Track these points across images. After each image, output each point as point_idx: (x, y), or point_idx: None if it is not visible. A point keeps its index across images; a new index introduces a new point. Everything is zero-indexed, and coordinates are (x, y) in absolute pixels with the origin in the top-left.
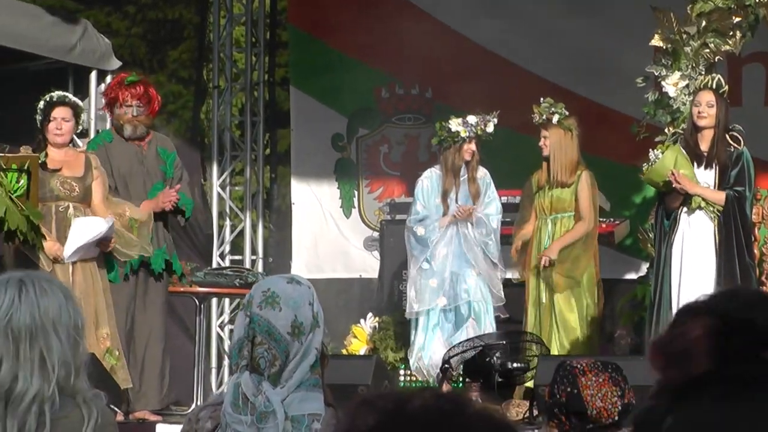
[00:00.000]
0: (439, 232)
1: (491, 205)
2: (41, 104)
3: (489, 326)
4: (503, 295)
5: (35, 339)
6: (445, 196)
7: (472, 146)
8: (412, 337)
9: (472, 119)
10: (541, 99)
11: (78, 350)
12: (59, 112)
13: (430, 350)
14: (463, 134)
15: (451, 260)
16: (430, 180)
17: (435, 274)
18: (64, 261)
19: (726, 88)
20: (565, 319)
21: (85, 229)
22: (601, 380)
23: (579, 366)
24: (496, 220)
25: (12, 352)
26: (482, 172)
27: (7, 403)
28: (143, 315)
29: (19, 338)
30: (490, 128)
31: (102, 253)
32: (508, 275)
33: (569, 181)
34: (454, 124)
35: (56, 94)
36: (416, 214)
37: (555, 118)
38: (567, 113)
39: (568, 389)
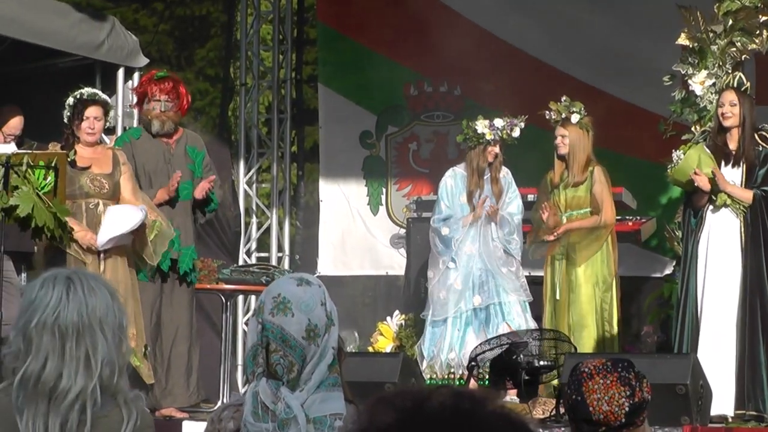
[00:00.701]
0: (463, 231)
1: (513, 204)
2: (71, 101)
3: (525, 324)
4: (530, 292)
5: (82, 337)
6: (470, 196)
7: (496, 149)
8: (432, 335)
9: (499, 122)
10: (564, 98)
11: (122, 350)
12: (92, 111)
13: (463, 349)
14: (488, 137)
15: (477, 259)
16: (453, 179)
17: (460, 274)
18: (98, 249)
19: (747, 84)
20: (581, 316)
21: (120, 219)
22: (609, 382)
23: (587, 370)
24: (518, 218)
25: (58, 349)
26: (504, 171)
27: (50, 399)
28: (169, 312)
29: (66, 336)
30: (516, 132)
31: (131, 250)
32: (528, 272)
33: (582, 178)
34: (481, 126)
35: (87, 91)
36: (440, 213)
37: (574, 118)
38: (585, 112)
39: (573, 396)
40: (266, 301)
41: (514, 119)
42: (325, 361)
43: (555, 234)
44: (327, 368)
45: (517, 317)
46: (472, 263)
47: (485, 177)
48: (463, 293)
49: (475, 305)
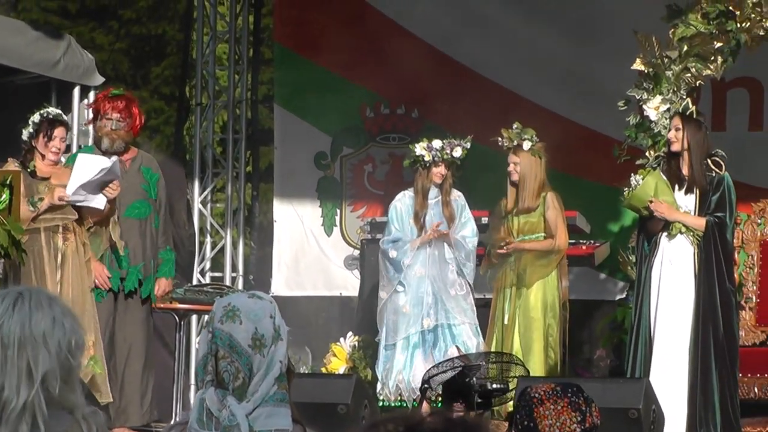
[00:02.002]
0: (412, 254)
1: (466, 227)
2: (37, 118)
3: (476, 347)
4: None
5: (23, 349)
6: (416, 217)
7: (442, 170)
8: (386, 357)
9: (437, 143)
10: (515, 125)
11: (71, 366)
12: (60, 132)
13: (412, 371)
14: (427, 158)
15: (428, 282)
16: (402, 202)
17: (409, 297)
18: (68, 199)
19: (692, 109)
20: (529, 341)
21: (88, 166)
22: (560, 407)
23: (537, 395)
24: (472, 242)
25: (1, 360)
26: (456, 195)
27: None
28: (123, 331)
29: (8, 347)
30: (457, 153)
31: (88, 264)
32: (483, 295)
33: (534, 205)
34: (419, 148)
35: (53, 111)
36: (389, 234)
37: (526, 145)
38: (537, 139)
39: (525, 422)
40: (217, 310)
41: (456, 140)
42: (272, 374)
43: (506, 249)
44: (274, 381)
45: (467, 340)
46: (422, 286)
47: (436, 199)
48: (412, 317)
49: (423, 327)
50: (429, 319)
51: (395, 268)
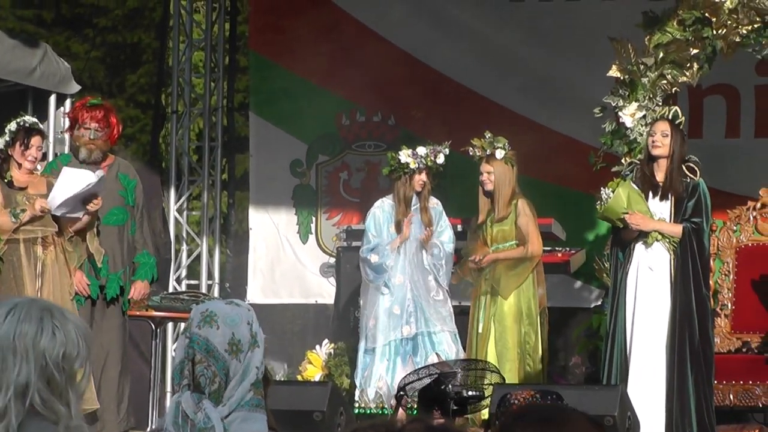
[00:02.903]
0: (393, 255)
1: (444, 234)
2: (13, 126)
3: (455, 354)
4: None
5: (4, 360)
6: (398, 226)
7: (423, 177)
8: (364, 364)
9: (421, 151)
10: (487, 134)
11: (59, 377)
12: (37, 141)
13: (395, 378)
14: (412, 165)
15: (408, 289)
16: (381, 210)
17: (392, 301)
18: (51, 212)
19: (682, 119)
20: (505, 349)
21: (73, 180)
22: None
23: (516, 401)
24: (449, 247)
25: None
26: (434, 202)
27: None
28: (99, 338)
29: None
30: (440, 159)
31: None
32: (458, 302)
33: (507, 213)
34: (404, 156)
35: (29, 119)
36: (368, 243)
37: (499, 153)
38: (509, 147)
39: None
40: (195, 316)
41: (438, 146)
42: (249, 379)
43: (483, 263)
44: (250, 386)
45: (447, 347)
46: (402, 293)
47: (414, 206)
48: (393, 322)
49: (404, 335)
50: (409, 327)
51: (377, 271)
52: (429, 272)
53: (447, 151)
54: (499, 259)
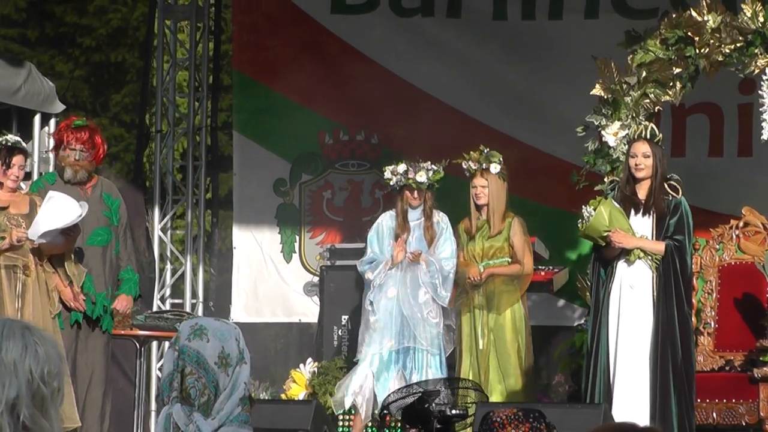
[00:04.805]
0: (385, 273)
1: (446, 250)
2: None
3: (439, 374)
4: (452, 341)
5: None
6: (397, 239)
7: (415, 194)
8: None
9: (401, 168)
10: (482, 148)
11: (44, 393)
12: (18, 160)
13: (384, 390)
14: (392, 182)
15: (398, 304)
16: (384, 222)
17: (377, 317)
18: (32, 241)
19: (660, 136)
20: (507, 364)
21: (59, 211)
22: None
23: (498, 419)
24: (450, 263)
25: None
26: (438, 217)
27: None
28: (84, 357)
29: None
30: (420, 177)
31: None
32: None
33: (501, 228)
34: (387, 172)
35: (12, 138)
36: (366, 255)
37: (494, 168)
38: (502, 161)
39: None
40: (183, 330)
41: (418, 164)
42: (237, 393)
43: (480, 278)
44: (239, 401)
45: (428, 368)
46: (391, 307)
47: (418, 221)
48: (379, 336)
49: (389, 348)
50: (393, 341)
51: (368, 287)
52: (423, 288)
53: (433, 168)
54: (496, 274)
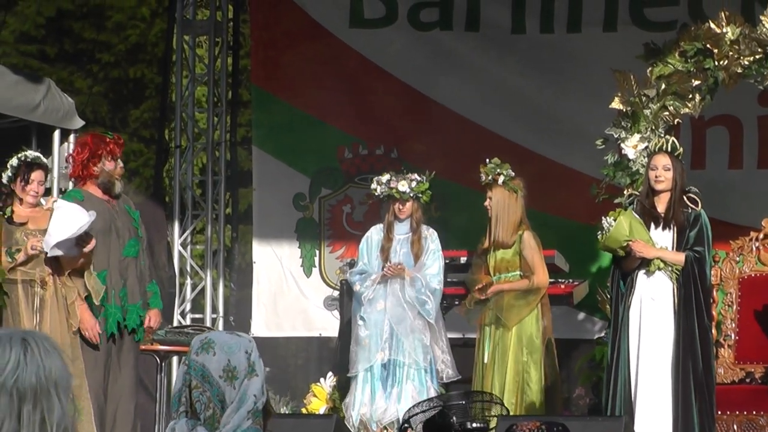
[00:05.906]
0: (373, 288)
1: (431, 266)
2: (15, 162)
3: (430, 389)
4: (449, 356)
5: (38, 400)
6: (382, 251)
7: (400, 205)
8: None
9: (384, 178)
10: (487, 160)
11: (72, 411)
12: (38, 176)
13: (375, 404)
14: (377, 192)
15: (387, 317)
16: (372, 235)
17: (368, 332)
18: (47, 254)
19: (681, 150)
20: (509, 379)
21: (67, 222)
22: None
23: None
24: (437, 280)
25: (15, 413)
26: (426, 232)
27: None
28: (117, 372)
29: (24, 399)
30: (402, 187)
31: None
32: (462, 334)
33: (510, 241)
34: (373, 182)
35: (32, 154)
36: (356, 267)
37: (501, 179)
38: (513, 174)
39: None
40: (194, 344)
41: (402, 174)
42: (245, 407)
43: (486, 294)
44: (247, 414)
45: (412, 382)
46: (381, 320)
47: (405, 235)
48: (370, 350)
49: (377, 360)
50: (384, 353)
51: (357, 300)
52: (409, 304)
53: (419, 178)
54: (503, 290)
